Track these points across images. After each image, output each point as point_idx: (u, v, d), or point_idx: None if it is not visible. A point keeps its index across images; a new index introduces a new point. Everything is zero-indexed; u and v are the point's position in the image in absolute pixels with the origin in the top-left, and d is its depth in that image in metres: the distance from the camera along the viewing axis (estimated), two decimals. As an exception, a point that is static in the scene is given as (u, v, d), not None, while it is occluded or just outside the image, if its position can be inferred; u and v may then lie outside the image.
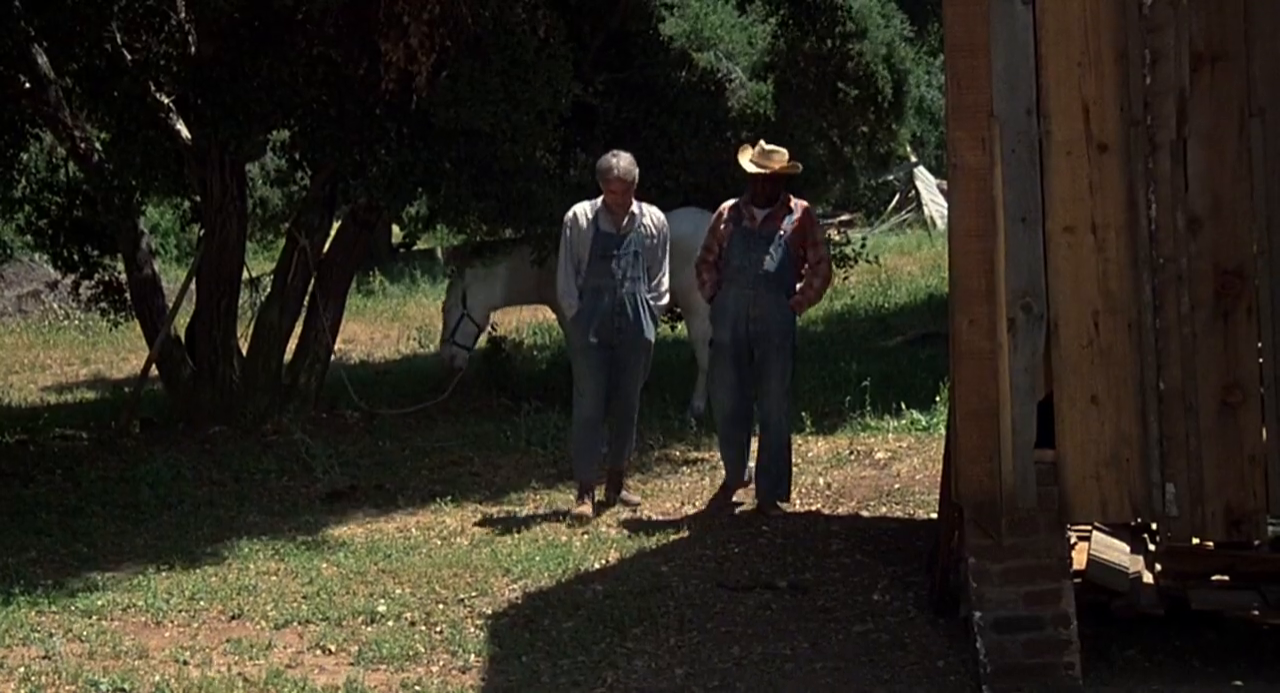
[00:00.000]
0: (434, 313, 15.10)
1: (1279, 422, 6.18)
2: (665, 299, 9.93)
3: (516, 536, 9.30)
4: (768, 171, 9.56)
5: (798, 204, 9.69)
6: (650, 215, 9.79)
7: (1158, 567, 7.30)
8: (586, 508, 9.63)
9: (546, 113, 11.41)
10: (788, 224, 9.52)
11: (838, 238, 16.83)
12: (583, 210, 9.74)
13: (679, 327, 14.85)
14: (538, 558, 8.69)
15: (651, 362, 10.06)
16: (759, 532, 9.14)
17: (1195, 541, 6.90)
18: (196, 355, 12.67)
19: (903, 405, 11.98)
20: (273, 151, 13.90)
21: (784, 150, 9.76)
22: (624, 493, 9.96)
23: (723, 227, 9.63)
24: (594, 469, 9.80)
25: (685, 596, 7.98)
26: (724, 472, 10.00)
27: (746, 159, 9.63)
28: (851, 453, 10.97)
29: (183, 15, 12.13)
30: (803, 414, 11.54)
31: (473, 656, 7.20)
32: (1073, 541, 7.19)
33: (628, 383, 9.85)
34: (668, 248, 9.88)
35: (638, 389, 9.95)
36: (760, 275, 9.48)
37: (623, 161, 9.65)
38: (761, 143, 9.78)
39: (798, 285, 9.62)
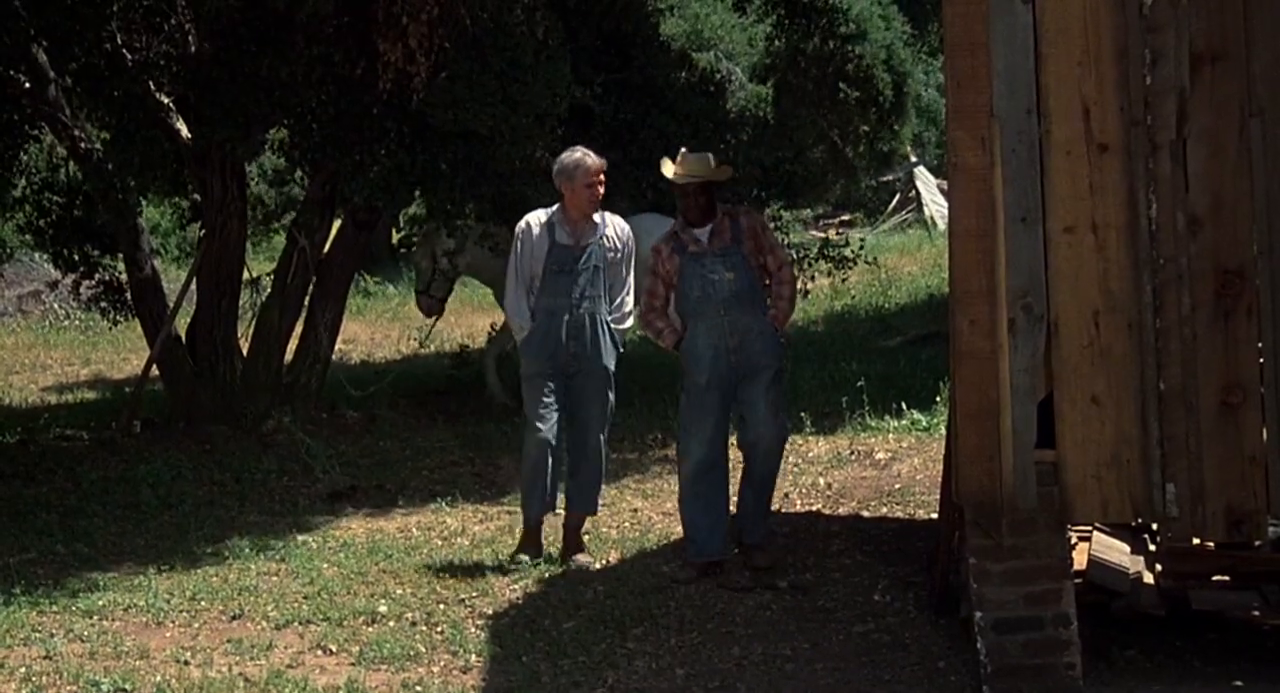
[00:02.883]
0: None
1: (1279, 422, 6.18)
2: (629, 322, 8.82)
3: (517, 536, 9.30)
4: (698, 179, 8.41)
5: (738, 211, 8.65)
6: (614, 226, 8.72)
7: (1158, 567, 7.31)
8: (536, 554, 8.70)
9: (545, 115, 11.37)
10: (737, 235, 8.39)
11: (836, 238, 16.87)
12: (536, 220, 8.65)
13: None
14: (538, 558, 8.69)
15: (614, 394, 8.84)
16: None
17: (1196, 541, 6.91)
18: (197, 355, 12.68)
19: (903, 406, 11.99)
20: (271, 151, 13.92)
21: (708, 155, 8.74)
22: (579, 556, 8.65)
23: (666, 264, 8.42)
24: (544, 504, 8.75)
25: (685, 596, 7.98)
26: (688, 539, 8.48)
27: (669, 169, 8.51)
28: (852, 453, 10.97)
29: (183, 15, 12.13)
30: (802, 414, 11.55)
31: (474, 656, 7.20)
32: (1073, 541, 7.19)
33: (587, 418, 8.69)
34: (633, 263, 8.81)
35: (601, 426, 8.74)
36: (728, 299, 8.32)
37: (593, 156, 8.64)
38: (683, 150, 8.66)
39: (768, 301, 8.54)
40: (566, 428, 8.72)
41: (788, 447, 10.57)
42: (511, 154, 11.40)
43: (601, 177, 8.61)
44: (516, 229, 8.73)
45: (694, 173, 8.44)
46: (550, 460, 8.65)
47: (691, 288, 8.39)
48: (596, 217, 8.66)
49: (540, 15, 11.34)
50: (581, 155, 8.62)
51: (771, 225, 14.35)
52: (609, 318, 8.67)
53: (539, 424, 8.60)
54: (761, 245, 8.47)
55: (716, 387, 8.36)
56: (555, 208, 8.70)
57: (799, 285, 15.80)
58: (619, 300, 8.71)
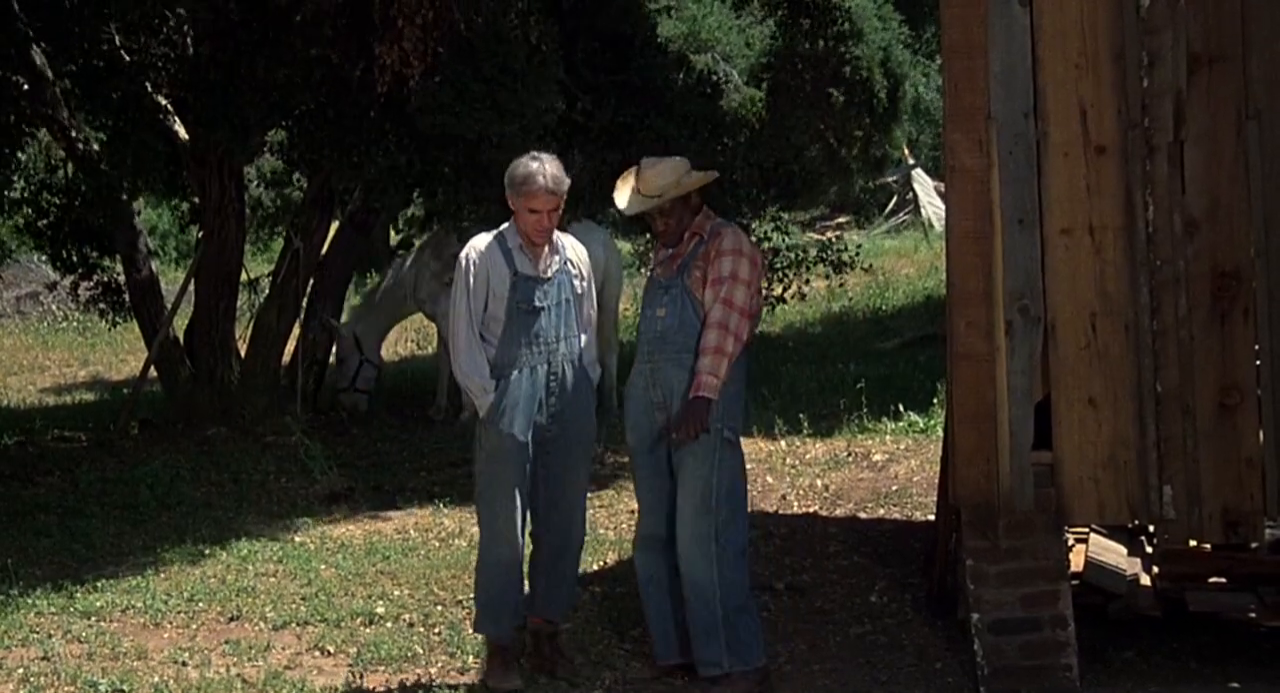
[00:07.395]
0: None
1: (1276, 424, 6.19)
2: (599, 371, 7.04)
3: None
4: (655, 203, 6.58)
5: (715, 229, 6.60)
6: (573, 247, 6.82)
7: (1155, 569, 7.32)
8: (514, 681, 6.72)
9: (531, 125, 11.29)
10: (688, 262, 6.57)
11: (835, 240, 16.88)
12: (490, 248, 6.65)
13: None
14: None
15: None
16: (756, 534, 9.13)
17: (1192, 543, 6.92)
18: (195, 357, 12.68)
19: (900, 407, 12.00)
20: (269, 153, 13.91)
21: (672, 164, 6.64)
22: (563, 667, 6.86)
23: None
24: (513, 621, 6.83)
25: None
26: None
27: (622, 195, 6.71)
28: (849, 455, 10.97)
29: (181, 17, 12.14)
30: (800, 416, 11.55)
31: (471, 657, 7.20)
32: (1070, 543, 7.21)
33: (569, 493, 6.79)
34: (594, 292, 6.99)
35: (584, 500, 6.95)
36: (654, 341, 6.59)
37: (550, 166, 6.60)
38: (642, 163, 6.69)
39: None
40: (541, 510, 6.81)
41: (785, 449, 10.59)
42: (499, 159, 11.35)
43: (557, 201, 6.63)
44: (462, 260, 6.69)
45: (651, 192, 6.62)
46: (520, 562, 6.79)
47: (640, 319, 6.86)
48: (555, 235, 6.77)
49: (535, 20, 11.31)
50: (536, 166, 6.61)
51: (763, 233, 13.96)
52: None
53: (506, 532, 6.70)
54: (707, 275, 6.52)
55: (645, 447, 6.66)
56: (511, 230, 6.72)
57: (793, 289, 15.84)
58: (586, 341, 6.84)
